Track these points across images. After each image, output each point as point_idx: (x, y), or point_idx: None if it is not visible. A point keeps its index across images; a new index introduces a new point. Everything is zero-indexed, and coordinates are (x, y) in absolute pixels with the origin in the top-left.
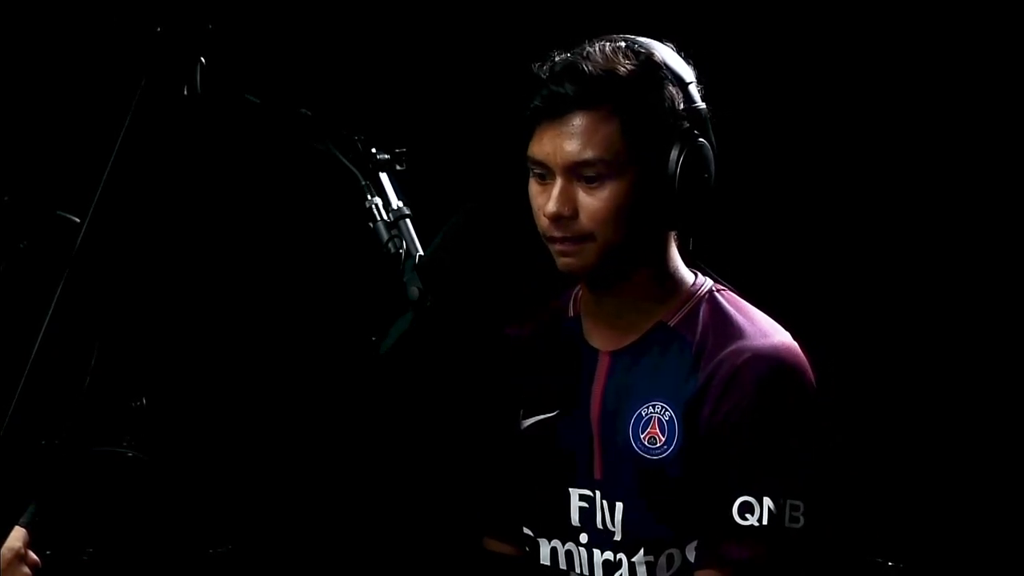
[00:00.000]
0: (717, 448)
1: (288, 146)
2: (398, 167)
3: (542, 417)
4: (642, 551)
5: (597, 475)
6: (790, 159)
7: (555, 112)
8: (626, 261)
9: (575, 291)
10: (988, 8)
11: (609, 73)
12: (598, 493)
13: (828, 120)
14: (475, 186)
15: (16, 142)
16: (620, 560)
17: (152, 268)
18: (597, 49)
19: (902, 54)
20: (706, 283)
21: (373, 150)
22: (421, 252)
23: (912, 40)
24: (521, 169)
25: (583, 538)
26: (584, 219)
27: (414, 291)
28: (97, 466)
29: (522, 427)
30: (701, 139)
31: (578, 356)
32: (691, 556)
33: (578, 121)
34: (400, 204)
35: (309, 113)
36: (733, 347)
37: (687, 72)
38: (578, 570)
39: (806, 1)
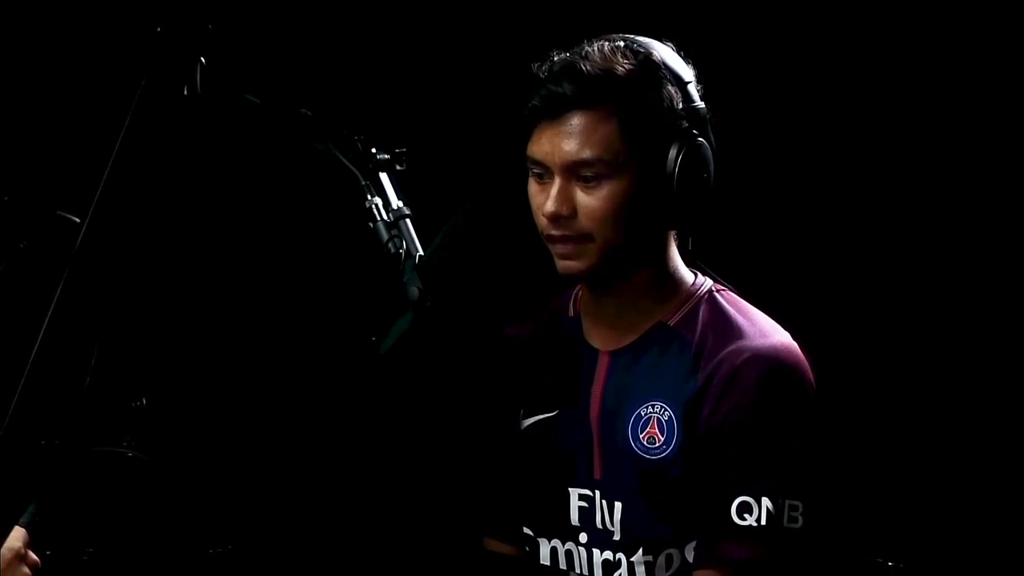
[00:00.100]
0: (716, 448)
1: (288, 146)
2: (398, 167)
3: (542, 417)
4: (641, 551)
5: (597, 475)
6: (790, 159)
7: (553, 112)
8: (626, 261)
9: (575, 291)
10: (988, 8)
11: (607, 73)
12: (598, 493)
13: (828, 120)
14: (475, 186)
15: (16, 142)
16: (619, 560)
17: (152, 268)
18: (596, 49)
19: (902, 54)
20: (706, 283)
21: (373, 150)
22: (421, 252)
23: (912, 40)
24: (521, 169)
25: (582, 538)
26: (583, 219)
27: (414, 291)
28: (97, 466)
29: (522, 427)
30: (700, 139)
31: (578, 356)
32: (690, 556)
33: (576, 121)
34: (400, 204)
35: (309, 113)
36: (733, 347)
37: (686, 72)
38: (578, 570)
39: (806, 1)
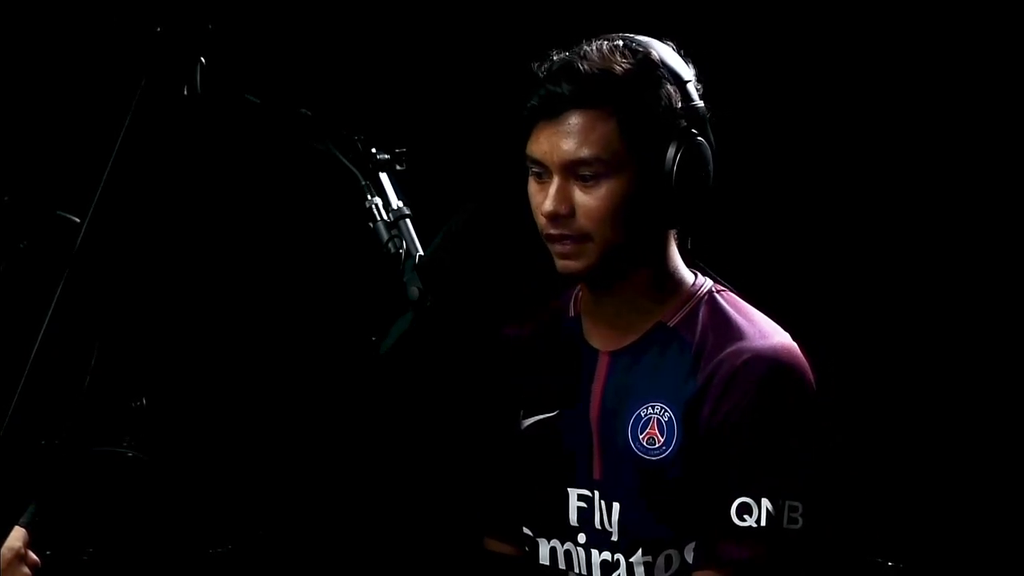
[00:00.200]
0: (716, 449)
1: (288, 146)
2: (398, 167)
3: (542, 417)
4: (640, 551)
5: (596, 475)
6: (789, 159)
7: (552, 111)
8: (625, 261)
9: (575, 291)
10: (988, 8)
11: (605, 72)
12: (596, 493)
13: (828, 120)
14: (475, 186)
15: (16, 142)
16: (618, 560)
17: (152, 268)
18: (594, 48)
19: (902, 54)
20: (706, 283)
21: (373, 150)
22: (421, 252)
23: (912, 40)
24: (521, 169)
25: (581, 538)
26: (581, 218)
27: (414, 291)
28: (97, 466)
29: (522, 427)
30: (699, 138)
31: (578, 356)
32: (690, 557)
33: (574, 120)
34: (400, 204)
35: (309, 113)
36: (733, 348)
37: (685, 71)
38: (576, 570)
39: (806, 1)
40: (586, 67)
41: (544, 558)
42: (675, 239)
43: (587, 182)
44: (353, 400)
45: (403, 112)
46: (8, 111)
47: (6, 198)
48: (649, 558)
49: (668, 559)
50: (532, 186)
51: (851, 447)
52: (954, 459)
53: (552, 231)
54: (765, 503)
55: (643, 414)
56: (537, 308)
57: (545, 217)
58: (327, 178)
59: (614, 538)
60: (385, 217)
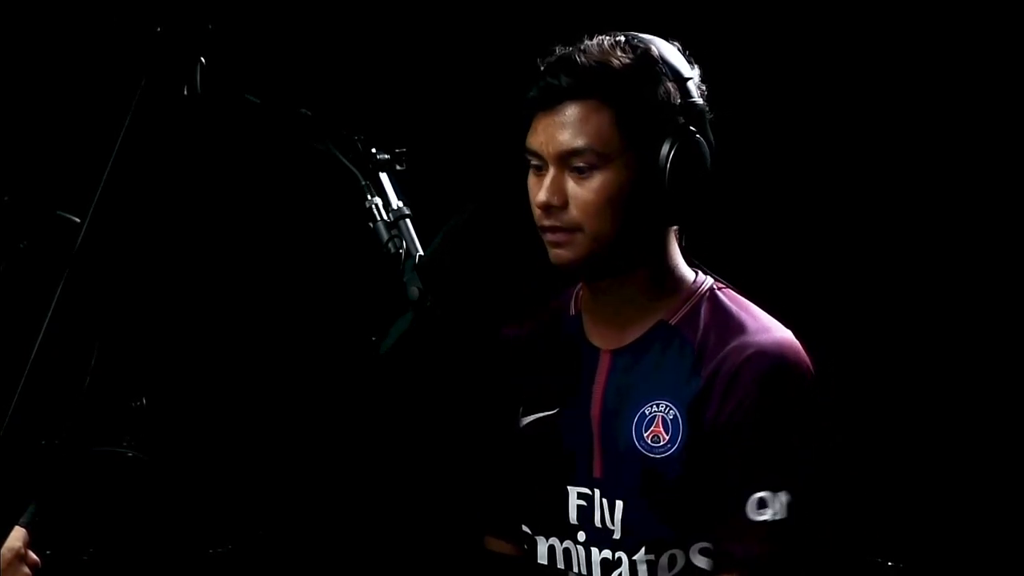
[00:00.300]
0: (723, 445)
1: (288, 146)
2: (398, 167)
3: (541, 415)
4: (643, 550)
5: (596, 473)
6: (789, 158)
7: (549, 102)
8: (622, 258)
9: (576, 290)
10: (988, 8)
11: (602, 65)
12: (597, 492)
13: (827, 118)
14: (475, 186)
15: (16, 142)
16: (619, 559)
17: (152, 268)
18: (595, 43)
19: (902, 53)
20: (707, 281)
21: (373, 150)
22: (421, 252)
23: (912, 39)
24: (521, 169)
25: (580, 536)
26: (574, 210)
27: (414, 291)
28: (97, 466)
29: (521, 425)
30: (697, 135)
31: (579, 354)
32: (694, 557)
33: (570, 111)
34: (400, 204)
35: (309, 113)
36: (735, 344)
37: (687, 69)
38: (575, 569)
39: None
40: (584, 60)
41: (542, 556)
42: (676, 237)
43: (581, 174)
44: (353, 400)
45: (403, 112)
46: (8, 111)
47: (6, 198)
48: (652, 556)
49: (672, 559)
50: (531, 179)
51: (850, 447)
52: (954, 459)
53: (545, 222)
54: (781, 497)
55: (647, 412)
56: (537, 308)
57: (539, 208)
58: (327, 178)
59: (616, 536)
60: (385, 217)
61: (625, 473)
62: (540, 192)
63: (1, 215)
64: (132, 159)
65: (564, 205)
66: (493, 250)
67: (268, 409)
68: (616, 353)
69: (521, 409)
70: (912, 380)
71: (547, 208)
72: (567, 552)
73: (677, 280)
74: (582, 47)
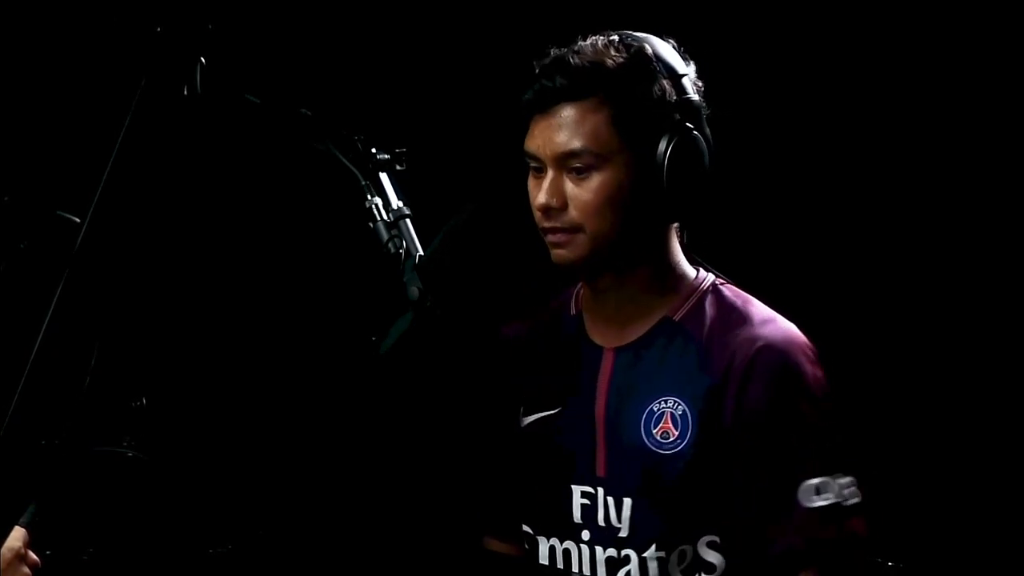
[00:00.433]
0: (749, 439)
1: (288, 146)
2: (398, 167)
3: (544, 415)
4: (653, 547)
5: (600, 472)
6: (786, 153)
7: (545, 105)
8: (623, 256)
9: (576, 289)
10: (988, 8)
11: (597, 65)
12: (601, 490)
13: (825, 114)
14: (475, 186)
15: (16, 142)
16: (627, 556)
17: (152, 268)
18: (589, 43)
19: (902, 51)
20: (708, 277)
21: (373, 150)
22: (421, 252)
23: (912, 38)
24: (521, 169)
25: (585, 535)
26: (573, 210)
27: (414, 291)
28: (97, 466)
29: (523, 424)
30: (694, 131)
31: (581, 353)
32: (702, 551)
33: (566, 113)
34: (400, 204)
35: (309, 113)
36: (744, 336)
37: (681, 66)
38: (577, 568)
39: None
40: (578, 60)
41: (543, 557)
42: (676, 234)
43: (580, 175)
44: (353, 400)
45: (403, 112)
46: (8, 111)
47: (6, 198)
48: (663, 553)
49: (682, 554)
50: (530, 181)
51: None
52: (954, 459)
53: (545, 224)
54: (840, 478)
55: (655, 408)
56: (537, 308)
57: (538, 210)
58: (327, 178)
59: (623, 534)
60: (385, 217)
61: (632, 470)
62: (539, 194)
63: (1, 215)
64: (132, 159)
65: (564, 206)
66: (493, 250)
67: (268, 409)
68: (619, 351)
69: (522, 409)
70: (912, 378)
71: (547, 210)
72: (567, 552)
73: (678, 277)
74: (576, 47)
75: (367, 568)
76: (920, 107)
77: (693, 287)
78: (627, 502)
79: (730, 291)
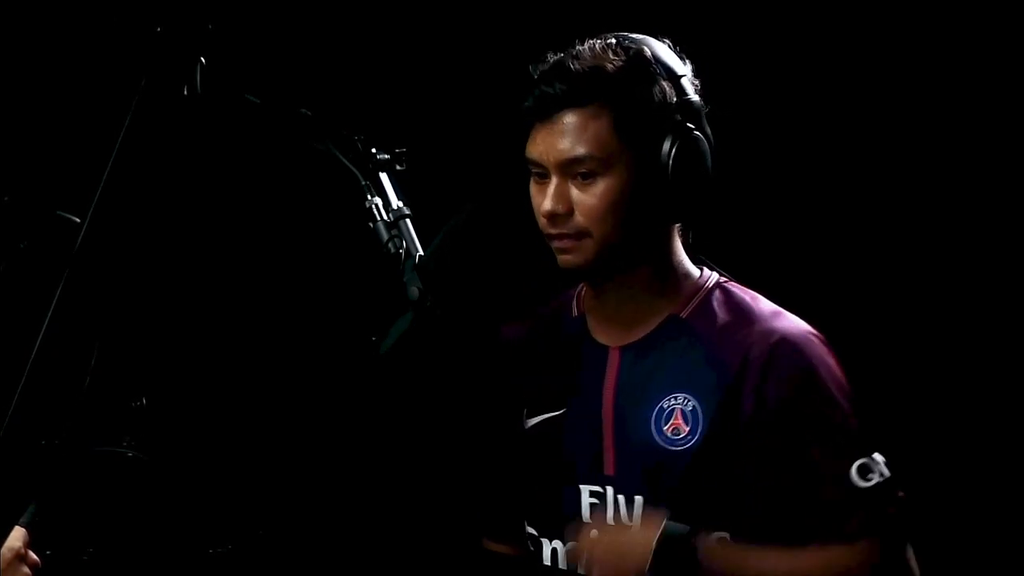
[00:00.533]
0: (777, 432)
1: (288, 146)
2: (398, 167)
3: (549, 416)
4: None
5: (609, 470)
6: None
7: (546, 112)
8: (626, 257)
9: (578, 290)
10: (988, 8)
11: (596, 70)
12: (610, 489)
13: (826, 112)
14: (475, 186)
15: (16, 142)
16: None
17: (152, 268)
18: (587, 47)
19: (902, 48)
20: (713, 276)
21: (373, 150)
22: (421, 252)
23: (912, 37)
24: (521, 169)
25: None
26: (579, 216)
27: (414, 291)
28: (97, 466)
29: (528, 426)
30: (695, 132)
31: (584, 353)
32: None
33: (568, 119)
34: (400, 204)
35: (309, 113)
36: (760, 330)
37: (680, 66)
38: (581, 568)
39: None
40: (577, 66)
41: (547, 558)
42: (679, 234)
43: (584, 180)
44: (353, 400)
45: (403, 112)
46: (8, 111)
47: (6, 198)
48: None
49: None
50: (533, 187)
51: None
52: (955, 459)
53: (552, 230)
54: (877, 457)
55: (666, 406)
56: (537, 308)
57: (544, 217)
58: (327, 178)
59: None
60: (385, 217)
61: (643, 468)
62: (545, 201)
63: (1, 215)
64: (132, 159)
65: (569, 212)
66: (493, 250)
67: (268, 409)
68: (625, 349)
69: (526, 411)
70: (913, 377)
71: (553, 216)
72: (570, 552)
73: (682, 276)
74: (574, 52)
75: (367, 568)
76: (921, 104)
77: (698, 285)
78: (638, 500)
79: (736, 288)
